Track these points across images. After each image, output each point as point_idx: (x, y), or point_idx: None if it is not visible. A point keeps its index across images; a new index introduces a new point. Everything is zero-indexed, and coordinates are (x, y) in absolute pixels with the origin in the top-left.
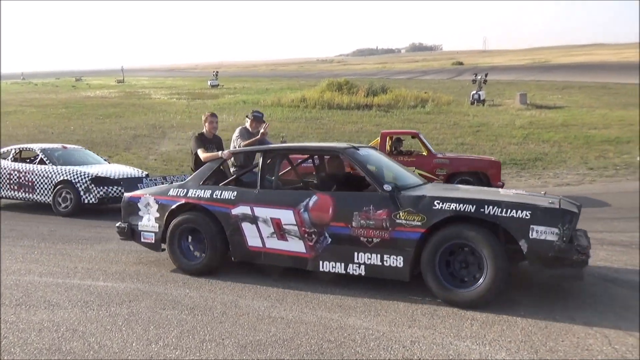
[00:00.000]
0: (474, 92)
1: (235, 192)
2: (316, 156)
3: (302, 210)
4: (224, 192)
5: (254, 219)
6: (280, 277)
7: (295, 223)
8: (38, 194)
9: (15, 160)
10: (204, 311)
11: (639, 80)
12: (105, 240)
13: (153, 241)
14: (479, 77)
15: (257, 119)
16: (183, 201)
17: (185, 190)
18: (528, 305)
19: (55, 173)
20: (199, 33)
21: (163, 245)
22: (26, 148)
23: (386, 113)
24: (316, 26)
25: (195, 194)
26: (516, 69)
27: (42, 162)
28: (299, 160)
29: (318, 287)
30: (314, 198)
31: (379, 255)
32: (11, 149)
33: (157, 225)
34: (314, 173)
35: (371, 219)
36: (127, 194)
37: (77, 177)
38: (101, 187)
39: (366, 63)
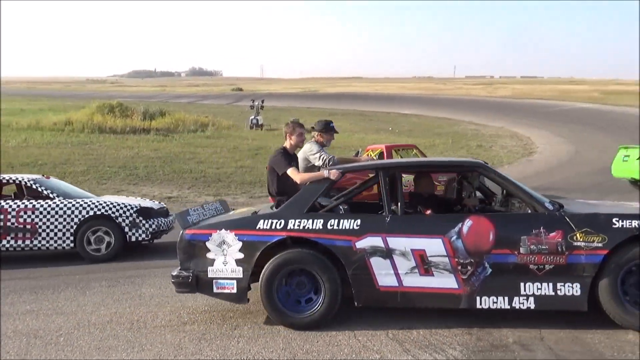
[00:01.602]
0: (252, 117)
1: (359, 220)
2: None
3: (454, 237)
4: (343, 220)
5: (387, 253)
6: (25, 326)
7: (445, 254)
8: (44, 238)
9: None
10: None
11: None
12: None
13: (235, 290)
14: (257, 102)
15: (330, 129)
16: (284, 235)
17: (283, 220)
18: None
19: (76, 208)
20: None
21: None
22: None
23: (165, 137)
24: (86, 43)
25: (300, 225)
26: (290, 96)
27: (37, 196)
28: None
29: (74, 331)
30: (469, 222)
31: (551, 284)
32: None
33: (239, 269)
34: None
35: (543, 243)
36: (187, 231)
37: (119, 211)
38: (150, 220)
39: (143, 85)
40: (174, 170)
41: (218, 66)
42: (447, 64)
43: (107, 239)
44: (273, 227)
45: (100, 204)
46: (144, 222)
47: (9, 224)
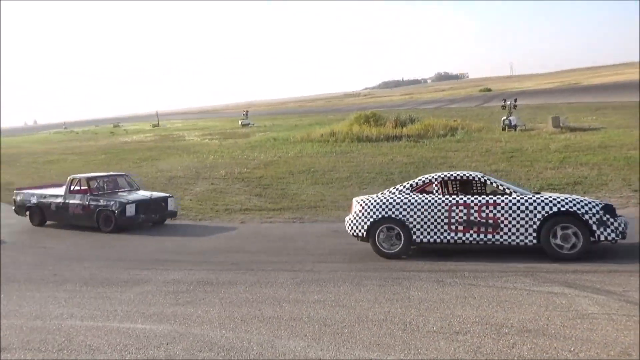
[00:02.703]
0: (505, 117)
1: None
2: None
3: None
4: None
5: None
6: (316, 313)
7: None
8: (505, 233)
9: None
10: (240, 352)
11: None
12: (143, 282)
13: None
14: (509, 102)
15: None
16: None
17: None
18: None
19: (538, 204)
20: (228, 75)
21: None
22: None
23: (416, 143)
24: (341, 62)
25: None
26: (545, 92)
27: (494, 191)
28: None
29: (355, 324)
30: None
31: None
32: None
33: None
34: None
35: None
36: None
37: (584, 207)
38: (617, 218)
39: (393, 95)
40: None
41: (463, 69)
42: None
43: (573, 239)
44: None
45: (564, 200)
46: (611, 220)
47: (472, 218)
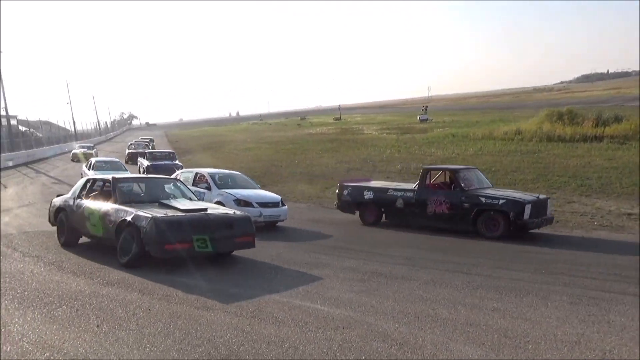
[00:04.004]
0: None
1: None
2: None
3: None
4: None
5: None
6: (495, 322)
7: None
8: None
9: None
10: (414, 349)
11: None
12: (323, 265)
13: None
14: None
15: None
16: None
17: None
18: None
19: None
20: (408, 69)
21: None
22: None
23: (621, 145)
24: (532, 52)
25: None
26: None
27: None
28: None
29: (540, 342)
30: None
31: None
32: None
33: None
34: None
35: None
36: None
37: None
38: None
39: (593, 89)
40: (635, 183)
41: None
42: None
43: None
44: None
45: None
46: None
47: None
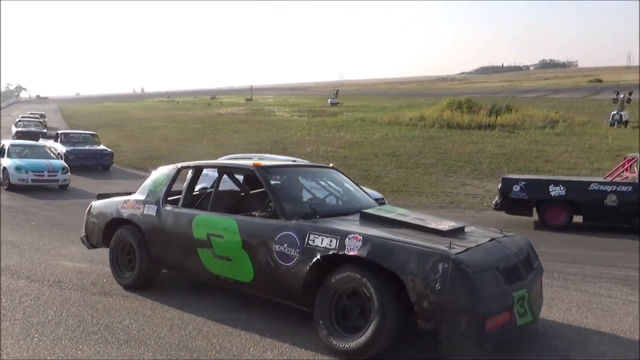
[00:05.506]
0: (615, 112)
1: None
2: None
3: None
4: None
5: None
6: None
7: None
8: None
9: None
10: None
11: None
12: None
13: None
14: (622, 95)
15: None
16: None
17: None
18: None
19: None
20: (321, 52)
21: None
22: None
23: (510, 133)
24: (437, 44)
25: None
26: None
27: None
28: None
29: None
30: None
31: None
32: None
33: None
34: None
35: None
36: None
37: None
38: None
39: (490, 81)
40: (520, 168)
41: (572, 57)
42: None
43: None
44: None
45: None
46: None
47: None
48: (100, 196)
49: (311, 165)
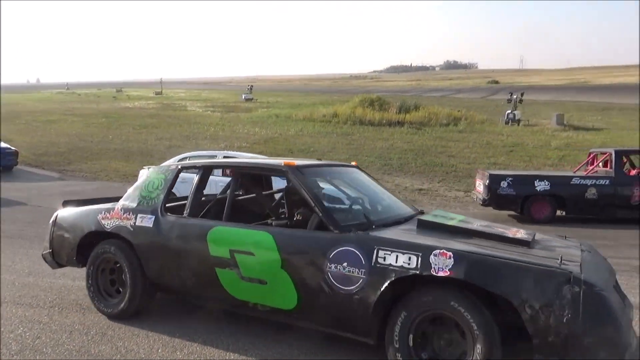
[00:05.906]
0: (509, 111)
1: None
2: None
3: None
4: None
5: None
6: None
7: None
8: None
9: None
10: (230, 316)
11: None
12: None
13: None
14: (515, 96)
15: None
16: None
17: None
18: None
19: None
20: (235, 47)
21: None
22: None
23: (418, 130)
24: (350, 43)
25: None
26: (554, 88)
27: None
28: None
29: None
30: None
31: None
32: None
33: None
34: None
35: None
36: None
37: None
38: None
39: (399, 80)
40: (426, 163)
41: (473, 59)
42: None
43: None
44: None
45: None
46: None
47: None
48: (67, 203)
49: (337, 165)
